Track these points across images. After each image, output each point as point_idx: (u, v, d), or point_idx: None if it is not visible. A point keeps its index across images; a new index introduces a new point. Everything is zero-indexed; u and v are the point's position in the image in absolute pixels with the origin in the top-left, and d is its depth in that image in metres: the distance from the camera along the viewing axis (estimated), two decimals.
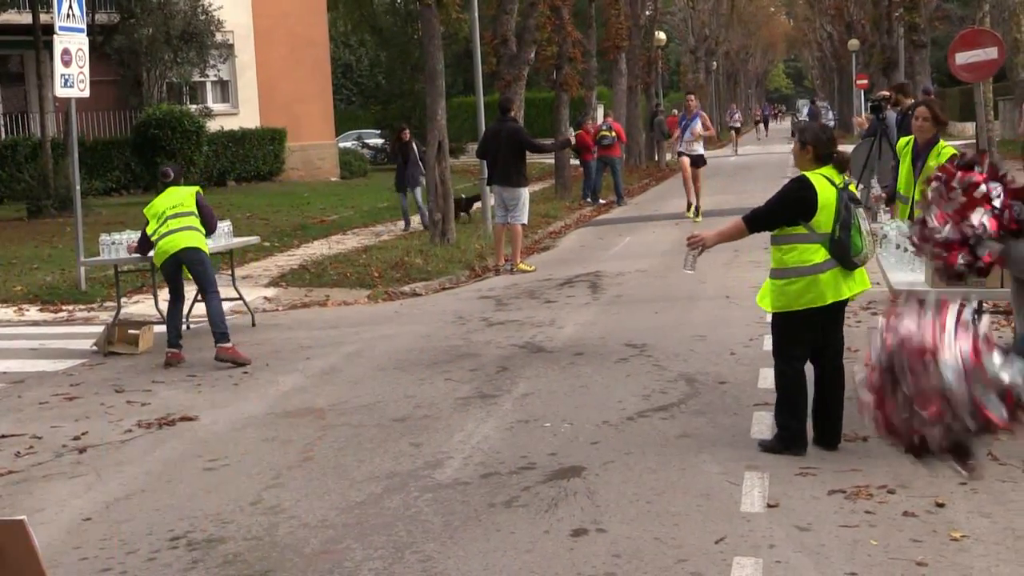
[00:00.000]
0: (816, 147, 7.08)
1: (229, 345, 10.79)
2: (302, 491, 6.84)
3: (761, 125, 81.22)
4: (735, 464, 6.87)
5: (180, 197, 11.38)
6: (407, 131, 22.64)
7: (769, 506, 6.12)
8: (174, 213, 11.18)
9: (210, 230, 11.55)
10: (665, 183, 36.22)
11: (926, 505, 6.02)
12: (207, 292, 11.15)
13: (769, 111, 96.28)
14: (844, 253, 6.85)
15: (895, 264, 7.98)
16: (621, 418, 8.12)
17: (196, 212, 11.31)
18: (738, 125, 56.63)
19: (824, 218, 6.87)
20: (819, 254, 6.89)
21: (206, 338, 12.41)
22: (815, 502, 6.16)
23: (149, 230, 11.31)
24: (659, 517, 6.04)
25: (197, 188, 11.75)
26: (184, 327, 12.86)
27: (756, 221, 7.08)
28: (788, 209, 6.99)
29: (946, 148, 8.65)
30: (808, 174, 7.01)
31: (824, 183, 6.94)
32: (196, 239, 11.18)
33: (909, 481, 6.40)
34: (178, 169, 12.13)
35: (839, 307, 7.08)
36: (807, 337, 7.08)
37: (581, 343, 11.01)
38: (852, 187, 7.15)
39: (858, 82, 51.40)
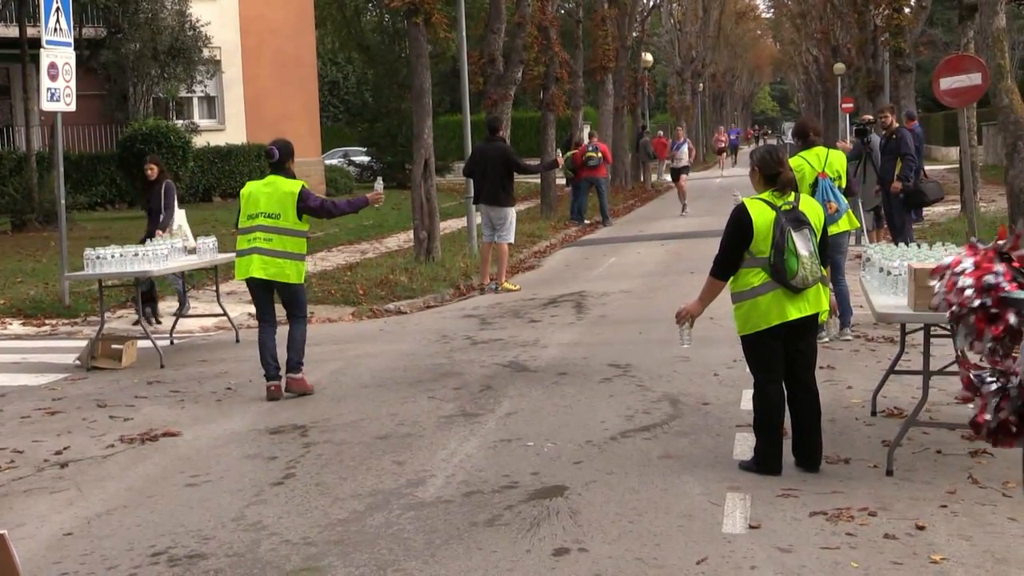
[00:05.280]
0: (760, 168, 7.22)
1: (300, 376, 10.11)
2: (284, 508, 6.83)
3: (728, 156, 61.70)
4: (717, 485, 6.88)
5: (279, 196, 9.99)
6: (154, 166, 14.62)
7: (751, 527, 6.13)
8: (268, 217, 10.02)
9: (325, 214, 10.36)
10: (651, 204, 36.35)
11: (907, 528, 6.03)
12: (291, 318, 10.26)
13: (737, 135, 75.73)
14: (781, 277, 6.94)
15: (878, 287, 8.00)
16: (604, 438, 8.13)
17: (292, 222, 9.99)
18: (685, 164, 32.64)
19: (762, 243, 6.98)
20: (758, 277, 7.01)
21: (189, 353, 12.40)
22: (796, 524, 6.18)
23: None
24: (641, 537, 6.05)
25: (303, 183, 10.19)
26: (168, 342, 12.85)
27: (720, 267, 7.22)
28: (735, 241, 7.11)
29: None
30: (746, 200, 7.15)
31: (762, 207, 7.05)
32: (281, 269, 9.97)
33: (890, 504, 6.42)
34: (285, 146, 10.35)
35: (795, 329, 7.08)
36: (769, 359, 7.12)
37: (565, 363, 11.03)
38: (805, 208, 7.17)
39: (843, 106, 51.63)
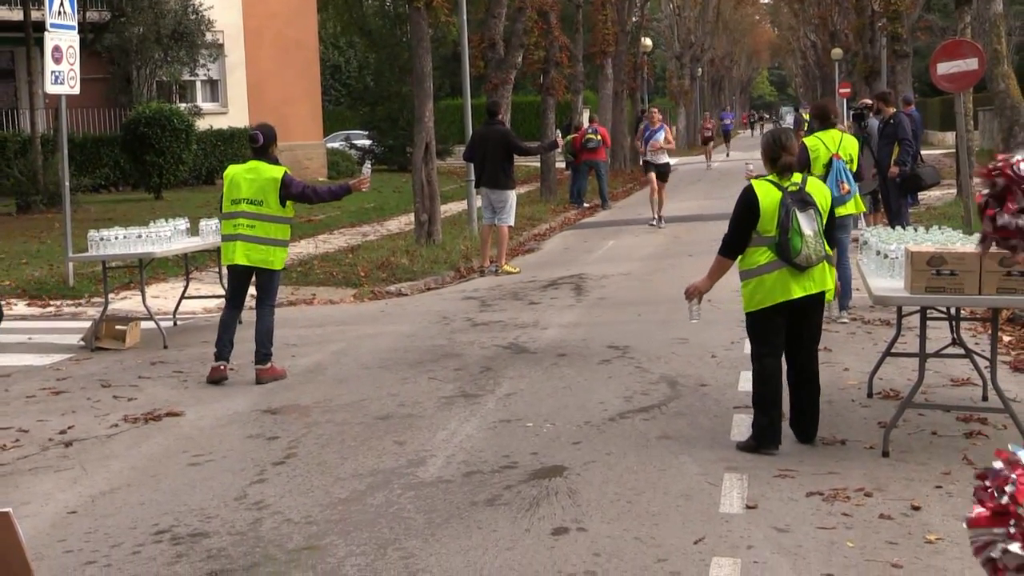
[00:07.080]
0: (764, 151, 7.38)
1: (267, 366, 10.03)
2: (286, 487, 6.90)
3: (719, 144, 55.68)
4: (715, 465, 6.95)
5: (261, 183, 9.91)
6: None
7: (748, 507, 6.19)
8: (250, 203, 9.93)
9: (307, 200, 10.17)
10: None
11: (902, 508, 6.10)
12: (260, 304, 10.17)
13: (732, 119, 64.73)
14: (785, 255, 7.06)
15: (875, 270, 8.07)
16: (603, 419, 8.19)
17: (276, 209, 9.94)
18: (666, 160, 23.90)
19: (768, 223, 7.11)
20: (764, 255, 7.14)
21: (192, 334, 12.47)
22: (793, 504, 6.24)
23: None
24: (639, 517, 6.11)
25: (285, 168, 10.13)
26: (171, 323, 12.92)
27: (727, 246, 7.35)
28: (743, 220, 7.24)
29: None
30: (754, 181, 7.28)
31: (768, 188, 7.18)
32: (266, 256, 9.95)
33: (886, 484, 6.49)
34: (269, 131, 10.18)
35: (799, 307, 7.18)
36: (770, 334, 7.24)
37: (564, 344, 11.08)
38: (811, 189, 7.26)
39: (841, 90, 51.44)
